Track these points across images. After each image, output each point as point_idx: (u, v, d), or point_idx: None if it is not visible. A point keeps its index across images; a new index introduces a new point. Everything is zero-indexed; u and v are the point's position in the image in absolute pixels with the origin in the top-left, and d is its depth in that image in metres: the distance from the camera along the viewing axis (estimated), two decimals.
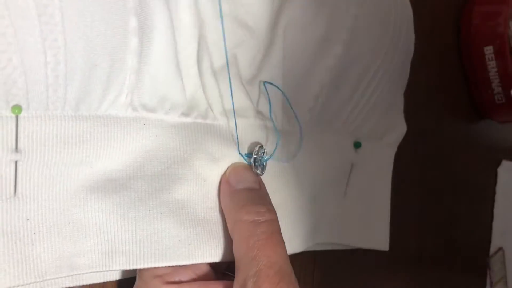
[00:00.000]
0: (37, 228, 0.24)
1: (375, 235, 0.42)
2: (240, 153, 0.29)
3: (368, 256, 0.47)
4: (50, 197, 0.24)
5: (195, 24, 0.27)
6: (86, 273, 0.25)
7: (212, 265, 0.29)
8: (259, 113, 0.31)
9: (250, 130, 0.31)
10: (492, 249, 0.68)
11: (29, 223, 0.24)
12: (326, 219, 0.37)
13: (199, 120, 0.29)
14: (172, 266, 0.27)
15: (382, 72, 0.37)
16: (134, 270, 0.28)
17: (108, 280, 0.28)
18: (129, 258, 0.26)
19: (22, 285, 0.24)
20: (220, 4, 0.27)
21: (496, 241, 0.68)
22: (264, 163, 0.30)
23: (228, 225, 0.28)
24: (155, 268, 0.27)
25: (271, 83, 0.31)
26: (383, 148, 0.43)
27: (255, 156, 0.30)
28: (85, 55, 0.23)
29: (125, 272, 0.29)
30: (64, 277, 0.25)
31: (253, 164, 0.29)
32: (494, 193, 0.68)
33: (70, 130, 0.24)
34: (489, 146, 0.67)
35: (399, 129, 0.43)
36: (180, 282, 0.27)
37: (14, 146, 0.23)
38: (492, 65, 0.58)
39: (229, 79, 0.29)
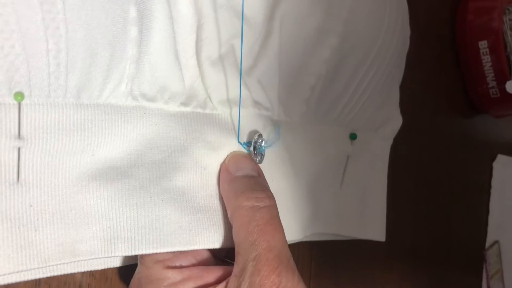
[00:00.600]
0: (40, 215, 0.24)
1: (372, 225, 0.42)
2: (239, 142, 0.30)
3: (364, 248, 0.48)
4: (53, 184, 0.25)
5: (193, 15, 0.27)
6: (88, 259, 0.26)
7: (212, 252, 0.30)
8: (257, 103, 0.32)
9: (248, 120, 0.31)
10: (488, 242, 0.68)
11: (32, 209, 0.24)
12: (323, 209, 0.38)
13: (198, 110, 0.30)
14: (173, 252, 0.27)
15: (377, 65, 0.37)
16: (135, 257, 0.29)
17: (109, 266, 0.29)
18: (131, 244, 0.26)
19: (25, 270, 0.24)
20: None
21: (492, 234, 0.68)
22: (263, 152, 0.31)
23: (228, 211, 0.29)
24: (156, 253, 0.27)
25: None
26: (379, 140, 0.43)
27: (254, 145, 0.30)
28: (86, 43, 0.23)
29: (125, 258, 0.29)
30: (66, 263, 0.25)
31: (253, 152, 0.30)
32: (490, 187, 0.69)
33: (71, 118, 0.24)
34: (485, 141, 0.68)
35: (395, 122, 0.44)
36: (181, 267, 0.27)
37: (16, 133, 0.23)
38: (486, 59, 0.59)
39: (240, 70, 0.29)
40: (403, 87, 0.44)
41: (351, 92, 0.37)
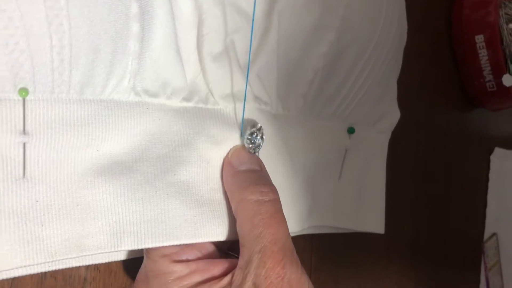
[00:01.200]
0: (46, 210, 0.24)
1: (371, 218, 0.43)
2: (242, 136, 0.30)
3: (364, 242, 0.48)
4: (58, 180, 0.25)
5: (194, 11, 0.27)
6: (95, 254, 0.26)
7: (216, 245, 0.30)
8: (257, 97, 0.32)
9: (249, 114, 0.32)
10: (486, 235, 0.69)
11: (38, 204, 0.24)
12: (321, 202, 0.38)
13: (201, 105, 0.30)
14: (179, 245, 0.28)
15: (375, 59, 0.38)
16: (139, 251, 0.29)
17: (113, 260, 0.29)
18: (137, 238, 0.26)
19: (32, 265, 0.24)
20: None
21: (489, 227, 0.69)
22: (259, 143, 0.31)
23: (232, 205, 0.29)
24: (162, 247, 0.27)
25: None
26: (377, 134, 0.44)
27: (248, 137, 0.30)
28: (89, 39, 0.24)
29: (130, 252, 0.30)
30: (72, 258, 0.26)
31: (249, 142, 0.30)
32: (487, 179, 0.69)
33: (75, 113, 0.25)
34: (482, 134, 0.68)
35: (393, 115, 0.44)
36: (188, 261, 0.28)
37: (22, 129, 0.23)
38: (483, 53, 0.59)
39: (248, 65, 0.29)
40: (401, 82, 0.44)
41: (348, 87, 0.37)
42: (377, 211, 0.44)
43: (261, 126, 0.30)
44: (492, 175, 0.69)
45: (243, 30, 0.30)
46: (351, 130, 0.40)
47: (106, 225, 0.26)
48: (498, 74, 0.59)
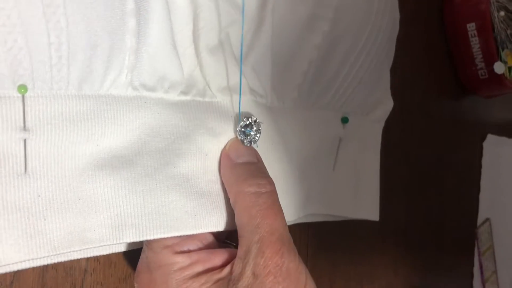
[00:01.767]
0: (48, 204, 0.25)
1: (365, 205, 0.44)
2: (238, 129, 0.30)
3: (359, 229, 0.49)
4: (59, 174, 0.25)
5: (189, 5, 0.28)
6: (97, 246, 0.26)
7: (214, 235, 0.31)
8: (252, 90, 0.33)
9: (246, 106, 0.32)
10: (480, 220, 0.70)
11: (40, 199, 0.25)
12: (316, 191, 0.39)
13: (198, 98, 0.30)
14: (181, 237, 0.28)
15: (368, 49, 0.38)
16: (139, 242, 0.30)
17: (113, 251, 0.30)
18: (139, 230, 0.27)
19: (36, 259, 0.25)
20: None
21: (483, 212, 0.70)
22: (252, 134, 0.31)
23: (230, 197, 0.30)
24: (164, 239, 0.28)
25: None
26: (371, 123, 0.44)
27: (242, 129, 0.30)
28: (86, 36, 0.24)
29: (129, 244, 0.30)
30: (75, 251, 0.26)
31: (243, 137, 0.31)
32: (480, 166, 0.70)
33: (74, 109, 0.25)
34: (475, 121, 0.69)
35: (386, 104, 0.45)
36: (189, 252, 0.28)
37: (22, 125, 0.24)
38: (475, 41, 0.60)
39: (241, 57, 0.30)
40: (393, 71, 0.45)
41: (342, 77, 0.38)
42: (372, 199, 0.44)
43: (256, 119, 0.31)
44: (485, 161, 0.70)
45: (238, 23, 0.30)
46: (345, 120, 0.40)
47: (108, 218, 0.26)
48: (489, 61, 0.60)
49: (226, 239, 0.32)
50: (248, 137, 0.30)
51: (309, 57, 0.35)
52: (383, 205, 0.45)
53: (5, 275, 0.28)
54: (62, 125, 0.25)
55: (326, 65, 0.36)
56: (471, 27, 0.59)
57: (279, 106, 0.35)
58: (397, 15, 0.42)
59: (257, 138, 0.31)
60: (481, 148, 0.70)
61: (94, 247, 0.27)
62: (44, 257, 0.25)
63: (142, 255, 0.29)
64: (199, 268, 0.28)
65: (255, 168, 0.30)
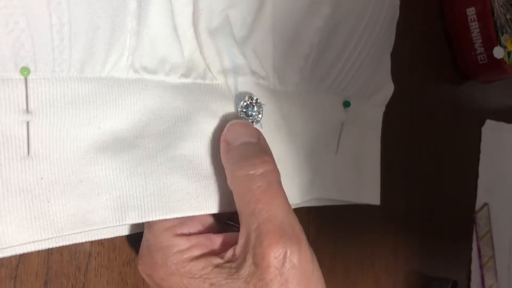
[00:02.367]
0: (51, 187, 0.25)
1: (367, 190, 0.44)
2: (239, 109, 0.30)
3: (360, 213, 0.49)
4: (62, 157, 0.25)
5: None
6: (100, 228, 0.27)
7: (216, 216, 0.31)
8: (254, 72, 0.33)
9: (248, 88, 0.32)
10: (478, 205, 0.70)
11: (43, 181, 0.25)
12: (320, 175, 0.39)
13: (199, 81, 0.30)
14: (181, 219, 0.28)
15: (368, 33, 0.38)
16: (142, 226, 0.30)
17: (117, 235, 0.30)
18: (141, 211, 0.27)
19: (40, 240, 0.25)
20: None
21: (481, 197, 0.70)
22: (257, 117, 0.31)
23: (228, 182, 0.29)
24: (164, 221, 0.28)
25: None
26: (372, 107, 0.44)
27: (243, 110, 0.30)
28: (88, 17, 0.24)
29: (133, 227, 0.31)
30: (78, 233, 0.26)
31: (245, 117, 0.30)
32: (479, 151, 0.70)
33: (76, 91, 0.25)
34: (473, 106, 0.69)
35: (387, 89, 0.45)
36: (189, 234, 0.28)
37: (25, 108, 0.24)
38: (474, 26, 0.60)
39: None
40: (393, 56, 0.45)
41: (344, 60, 0.38)
42: (373, 183, 0.45)
43: (257, 99, 0.31)
44: (483, 147, 0.70)
45: (238, 4, 0.30)
46: (346, 104, 0.40)
47: (110, 200, 0.26)
48: (489, 46, 0.60)
49: (229, 220, 0.32)
50: (250, 118, 0.30)
51: (311, 40, 0.35)
52: (383, 189, 0.45)
53: (10, 258, 0.29)
54: (64, 107, 0.25)
55: (327, 49, 0.36)
56: (471, 11, 0.59)
57: (282, 89, 0.35)
58: (397, 0, 0.42)
59: (259, 118, 0.31)
60: (480, 133, 0.70)
61: (97, 229, 0.28)
62: (47, 239, 0.25)
63: (143, 238, 0.29)
64: (198, 251, 0.28)
65: (252, 148, 0.28)
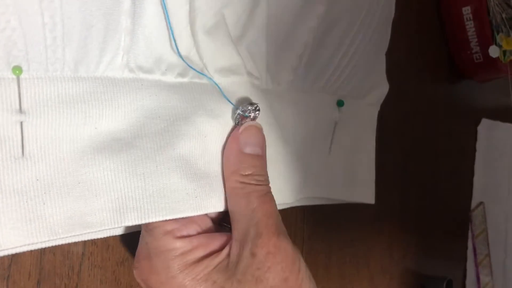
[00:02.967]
0: (47, 188, 0.24)
1: (361, 189, 0.44)
2: (236, 109, 0.30)
3: (355, 212, 0.49)
4: (58, 158, 0.25)
5: None
6: (98, 230, 0.26)
7: (212, 218, 0.31)
8: (249, 72, 0.33)
9: (243, 88, 0.32)
10: (473, 204, 0.70)
11: (39, 183, 0.24)
12: (313, 174, 0.39)
13: (196, 80, 0.30)
14: (180, 221, 0.28)
15: (363, 32, 0.38)
16: (136, 226, 0.29)
17: (111, 235, 0.30)
18: (141, 213, 0.26)
19: (36, 243, 0.24)
20: None
21: (477, 196, 0.70)
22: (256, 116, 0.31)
23: (227, 181, 0.30)
24: (164, 224, 0.28)
25: None
26: (366, 106, 0.44)
27: (240, 112, 0.30)
28: (81, 16, 0.24)
29: (127, 227, 0.30)
30: (75, 235, 0.26)
31: (239, 118, 0.30)
32: (475, 150, 0.70)
33: (70, 91, 0.25)
34: (469, 105, 0.69)
35: (382, 88, 0.45)
36: (189, 236, 0.28)
37: (18, 107, 0.23)
38: (470, 25, 0.60)
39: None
40: (389, 55, 0.45)
41: (337, 60, 0.38)
42: (368, 182, 0.45)
43: (257, 106, 0.31)
44: (479, 145, 0.71)
45: (233, 3, 0.30)
46: (340, 103, 0.40)
47: (109, 202, 0.26)
48: (484, 45, 0.60)
49: (223, 222, 0.32)
50: (247, 119, 0.30)
51: (304, 40, 0.35)
52: (378, 188, 0.45)
53: (2, 258, 0.28)
54: (59, 107, 0.25)
55: (321, 48, 0.36)
56: (466, 10, 0.59)
57: (274, 89, 0.35)
58: None
59: (255, 119, 0.31)
60: (476, 132, 0.70)
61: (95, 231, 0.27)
62: (44, 241, 0.25)
63: (141, 241, 0.29)
64: (200, 252, 0.28)
65: (258, 162, 0.30)
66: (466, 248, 0.70)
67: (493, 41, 0.59)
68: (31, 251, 0.28)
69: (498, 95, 0.74)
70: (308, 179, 0.38)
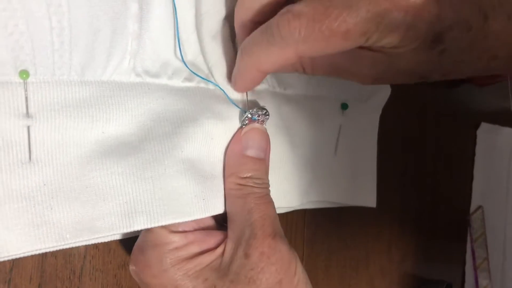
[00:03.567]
0: (54, 193, 0.24)
1: (363, 192, 0.44)
2: (245, 112, 0.30)
3: (355, 215, 0.49)
4: (65, 162, 0.24)
5: None
6: (107, 236, 0.26)
7: (213, 216, 0.31)
8: None
9: (252, 92, 0.32)
10: (472, 208, 0.70)
11: (46, 188, 0.24)
12: (319, 177, 0.39)
13: (202, 85, 0.30)
14: None
15: None
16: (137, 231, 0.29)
17: (112, 239, 0.30)
18: (150, 217, 0.26)
19: (44, 249, 0.24)
20: None
21: (476, 200, 0.70)
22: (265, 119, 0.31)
23: (226, 181, 0.30)
24: None
25: None
26: (369, 110, 0.44)
27: (249, 116, 0.30)
28: (88, 20, 0.23)
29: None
30: (84, 241, 0.25)
31: (247, 120, 0.30)
32: (474, 154, 0.70)
33: (77, 95, 0.25)
34: (468, 109, 0.69)
35: (384, 92, 0.45)
36: (185, 232, 0.28)
37: (25, 112, 0.23)
38: None
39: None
40: None
41: None
42: (369, 186, 0.45)
43: (266, 110, 0.30)
44: (478, 149, 0.70)
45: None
46: (344, 106, 0.41)
47: (117, 206, 0.26)
48: None
49: (224, 222, 0.32)
50: (255, 123, 0.31)
51: None
52: (378, 192, 0.45)
53: (4, 262, 0.28)
54: (66, 111, 0.24)
55: None
56: None
57: (281, 92, 0.35)
58: None
59: (264, 123, 0.31)
60: (475, 136, 0.70)
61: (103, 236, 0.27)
62: (53, 247, 0.24)
63: (140, 235, 0.29)
64: (194, 249, 0.28)
65: (259, 167, 0.30)
66: (465, 251, 0.70)
67: None
68: (33, 254, 0.27)
69: (498, 99, 0.74)
70: (314, 182, 0.38)
